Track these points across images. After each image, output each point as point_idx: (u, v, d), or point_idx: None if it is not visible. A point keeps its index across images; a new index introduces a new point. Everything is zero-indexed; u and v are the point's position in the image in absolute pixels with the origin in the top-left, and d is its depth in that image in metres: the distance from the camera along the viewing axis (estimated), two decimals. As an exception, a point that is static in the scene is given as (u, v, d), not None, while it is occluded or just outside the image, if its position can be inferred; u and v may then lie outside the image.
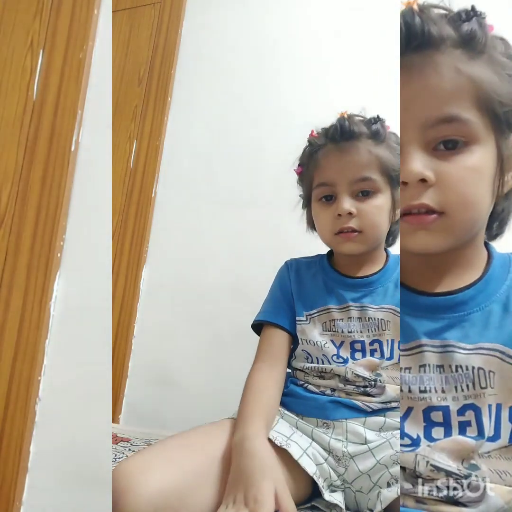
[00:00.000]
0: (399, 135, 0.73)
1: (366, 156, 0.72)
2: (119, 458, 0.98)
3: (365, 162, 0.72)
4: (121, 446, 1.08)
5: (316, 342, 0.78)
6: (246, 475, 0.58)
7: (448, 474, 0.47)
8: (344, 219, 0.73)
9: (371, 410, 0.71)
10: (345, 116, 0.75)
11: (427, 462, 0.47)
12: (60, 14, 0.91)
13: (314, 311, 0.80)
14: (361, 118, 0.76)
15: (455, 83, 0.44)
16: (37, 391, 0.84)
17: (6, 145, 0.90)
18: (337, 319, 0.78)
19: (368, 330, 0.76)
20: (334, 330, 0.78)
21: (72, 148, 0.87)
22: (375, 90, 1.23)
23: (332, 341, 0.77)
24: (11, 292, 0.85)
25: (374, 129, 0.73)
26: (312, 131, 0.79)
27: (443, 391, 0.50)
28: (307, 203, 0.83)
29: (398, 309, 0.73)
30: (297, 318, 0.81)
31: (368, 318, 0.76)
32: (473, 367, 0.49)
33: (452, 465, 0.47)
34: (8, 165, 0.90)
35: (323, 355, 0.77)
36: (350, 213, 0.72)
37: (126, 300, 1.45)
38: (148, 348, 1.43)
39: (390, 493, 0.61)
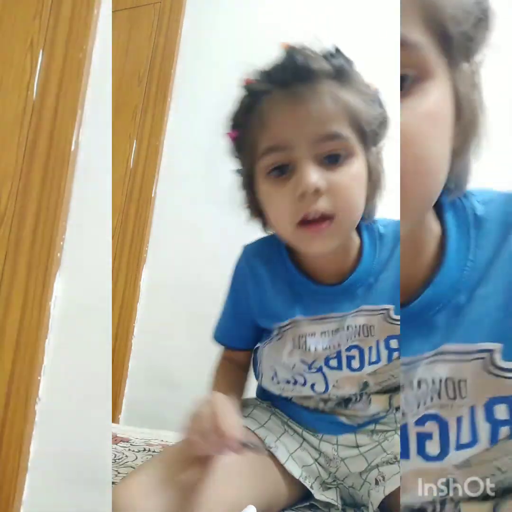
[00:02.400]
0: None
1: (331, 104, 0.51)
2: (119, 458, 0.98)
3: (331, 112, 0.51)
4: (121, 446, 1.08)
5: (284, 363, 0.66)
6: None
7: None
8: (308, 200, 0.51)
9: (358, 424, 0.67)
10: (294, 48, 0.53)
11: None
12: (60, 14, 0.91)
13: (286, 322, 0.65)
14: (314, 53, 0.54)
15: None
16: (37, 391, 0.84)
17: (6, 145, 0.90)
18: (308, 334, 0.63)
19: (347, 339, 0.62)
20: (304, 348, 0.64)
21: (72, 148, 0.87)
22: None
23: (302, 361, 0.64)
24: (11, 292, 0.85)
25: (338, 64, 0.52)
26: (247, 78, 0.57)
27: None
28: (248, 181, 0.62)
29: (380, 306, 0.60)
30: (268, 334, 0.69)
31: (347, 326, 0.61)
32: (441, 379, 0.41)
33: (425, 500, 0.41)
34: (8, 165, 0.90)
35: (293, 371, 0.67)
36: (317, 190, 0.50)
37: (126, 300, 1.45)
38: (148, 348, 1.43)
39: (378, 494, 0.61)
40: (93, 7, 0.90)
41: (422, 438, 0.41)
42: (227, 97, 1.66)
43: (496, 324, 0.40)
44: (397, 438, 0.66)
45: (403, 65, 0.35)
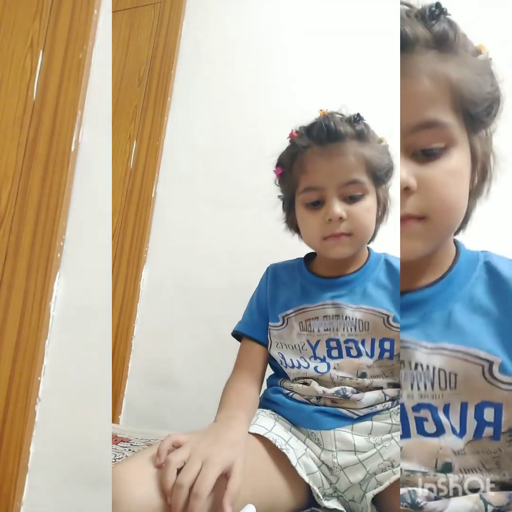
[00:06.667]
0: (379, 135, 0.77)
1: (353, 158, 0.69)
2: (119, 458, 0.98)
3: (353, 164, 0.69)
4: (121, 446, 1.08)
5: (294, 345, 0.77)
6: (217, 435, 0.59)
7: (424, 474, 0.46)
8: (334, 224, 0.70)
9: (357, 416, 0.70)
10: (328, 115, 0.72)
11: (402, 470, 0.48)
12: (60, 14, 0.91)
13: (290, 311, 0.78)
14: (342, 116, 0.73)
15: (432, 85, 0.43)
16: (37, 391, 0.84)
17: (6, 145, 0.90)
18: (312, 318, 0.76)
19: (344, 328, 0.73)
20: (309, 329, 0.76)
21: (72, 148, 0.87)
22: (374, 90, 1.23)
23: (308, 341, 0.76)
24: (11, 292, 0.85)
25: (359, 129, 0.71)
26: (292, 131, 0.76)
27: (400, 387, 0.52)
28: (289, 205, 0.80)
29: (379, 310, 0.72)
30: (272, 324, 0.80)
31: (346, 317, 0.73)
32: (434, 367, 0.48)
33: (424, 469, 0.46)
34: (8, 165, 0.90)
35: (301, 357, 0.76)
36: (341, 217, 0.70)
37: (126, 300, 1.45)
38: (148, 348, 1.43)
39: (375, 490, 0.62)
40: (93, 7, 0.90)
41: (420, 421, 0.48)
42: (227, 97, 1.66)
43: (497, 340, 0.47)
44: (393, 443, 0.66)
45: (434, 140, 0.44)
